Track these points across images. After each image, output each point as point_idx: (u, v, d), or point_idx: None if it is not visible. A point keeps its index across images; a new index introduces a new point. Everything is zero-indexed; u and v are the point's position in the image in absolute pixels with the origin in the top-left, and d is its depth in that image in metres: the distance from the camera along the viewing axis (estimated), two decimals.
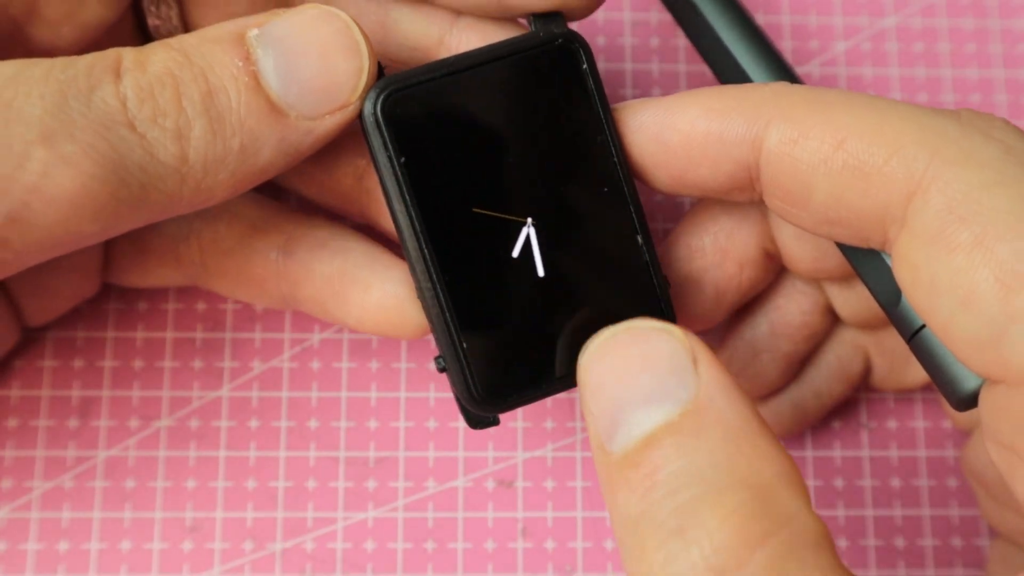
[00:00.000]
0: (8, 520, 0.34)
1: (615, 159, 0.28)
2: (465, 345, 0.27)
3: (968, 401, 0.26)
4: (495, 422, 0.29)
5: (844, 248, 0.28)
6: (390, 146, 0.26)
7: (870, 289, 0.28)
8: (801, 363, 0.34)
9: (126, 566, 0.34)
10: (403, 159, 0.26)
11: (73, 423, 0.35)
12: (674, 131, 0.27)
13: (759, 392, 0.34)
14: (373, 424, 0.35)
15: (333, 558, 0.34)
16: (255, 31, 0.27)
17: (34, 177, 0.24)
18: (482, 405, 0.27)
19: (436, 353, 0.36)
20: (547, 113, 0.27)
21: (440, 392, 0.36)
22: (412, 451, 0.35)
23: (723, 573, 0.22)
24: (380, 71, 0.27)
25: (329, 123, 0.27)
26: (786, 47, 0.39)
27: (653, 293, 0.28)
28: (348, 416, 0.35)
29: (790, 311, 0.33)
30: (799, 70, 0.39)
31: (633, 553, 0.23)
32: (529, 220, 0.27)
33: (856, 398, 0.37)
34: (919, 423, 0.36)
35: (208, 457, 0.35)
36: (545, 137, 0.27)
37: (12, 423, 0.35)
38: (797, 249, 0.31)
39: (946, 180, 0.24)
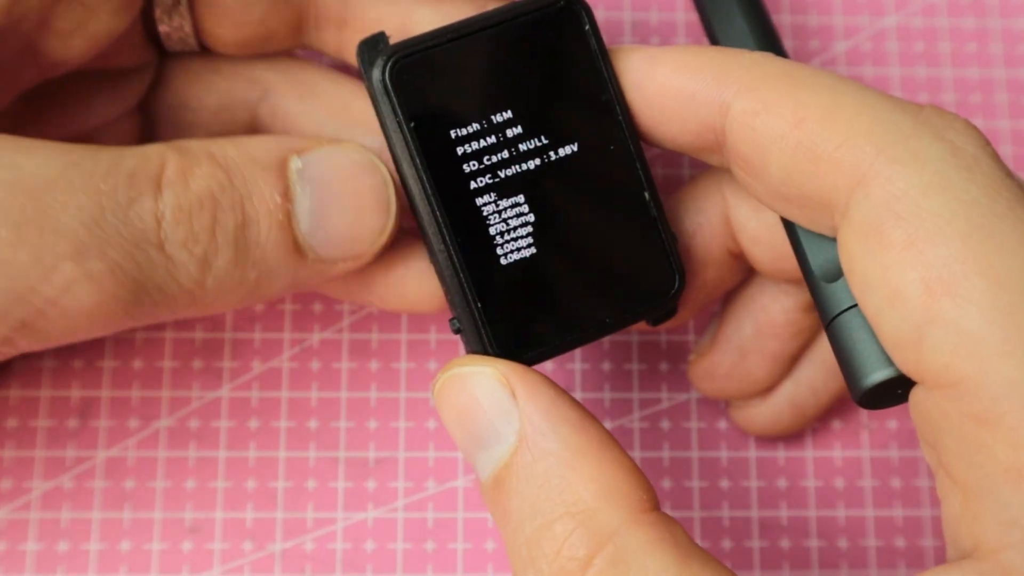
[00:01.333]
0: (8, 520, 0.34)
1: (620, 117, 0.28)
2: (480, 305, 0.27)
3: (864, 397, 0.26)
4: None
5: (784, 219, 0.29)
6: (399, 111, 0.27)
7: (801, 266, 0.28)
8: (792, 360, 0.34)
9: (126, 567, 0.34)
10: (412, 124, 0.27)
11: (72, 423, 0.35)
12: (652, 81, 0.28)
13: (751, 391, 0.34)
14: (373, 424, 0.35)
15: (333, 558, 0.34)
16: (299, 163, 0.27)
17: (56, 291, 0.24)
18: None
19: (436, 353, 0.36)
20: (552, 74, 0.28)
21: None
22: (412, 451, 0.35)
23: None
24: (385, 40, 0.28)
25: (340, 268, 0.28)
26: (787, 47, 0.39)
27: (662, 248, 0.29)
28: (348, 416, 0.35)
29: (774, 310, 0.33)
30: None
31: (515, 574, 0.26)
32: (539, 180, 0.28)
33: None
34: None
35: (208, 457, 0.35)
36: (551, 98, 0.28)
37: (11, 423, 0.35)
38: (755, 251, 0.31)
39: (887, 177, 0.24)
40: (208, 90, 0.33)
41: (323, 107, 0.33)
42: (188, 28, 0.31)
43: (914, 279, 0.23)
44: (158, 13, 0.30)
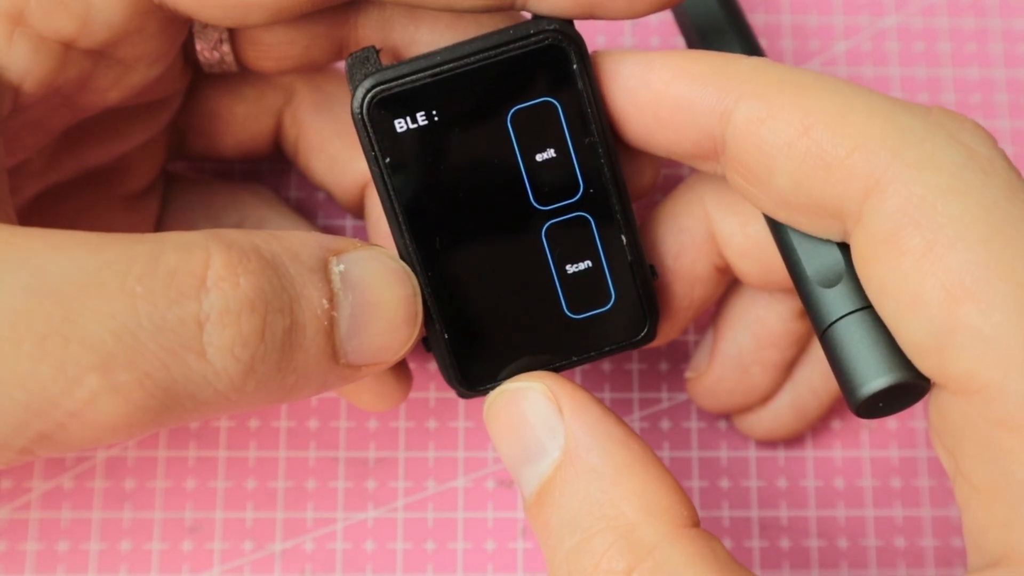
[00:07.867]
0: (8, 520, 0.34)
1: (603, 160, 0.28)
2: (447, 336, 0.28)
3: (861, 407, 0.26)
4: (484, 393, 0.29)
5: (773, 225, 0.28)
6: (375, 146, 0.27)
7: (793, 272, 0.27)
8: (790, 366, 0.33)
9: (126, 566, 0.34)
10: (388, 159, 0.27)
11: None
12: (648, 89, 0.27)
13: (756, 401, 0.34)
14: (373, 424, 0.35)
15: (333, 558, 0.34)
16: (340, 266, 0.26)
17: (78, 404, 0.23)
18: (464, 390, 0.29)
19: None
20: (533, 113, 0.27)
21: (440, 392, 0.36)
22: (412, 451, 0.35)
23: None
24: (376, 56, 0.27)
25: (363, 375, 0.27)
26: (786, 47, 0.39)
27: (634, 290, 0.29)
28: (348, 416, 0.35)
29: (771, 321, 0.32)
30: None
31: None
32: (514, 221, 0.28)
33: None
34: (919, 423, 0.36)
35: (208, 457, 0.35)
36: (531, 137, 0.27)
37: None
38: (743, 265, 0.30)
39: (904, 182, 0.24)
40: (238, 99, 0.33)
41: (333, 123, 0.33)
42: (230, 60, 0.31)
43: (935, 285, 0.23)
44: (199, 47, 0.30)
